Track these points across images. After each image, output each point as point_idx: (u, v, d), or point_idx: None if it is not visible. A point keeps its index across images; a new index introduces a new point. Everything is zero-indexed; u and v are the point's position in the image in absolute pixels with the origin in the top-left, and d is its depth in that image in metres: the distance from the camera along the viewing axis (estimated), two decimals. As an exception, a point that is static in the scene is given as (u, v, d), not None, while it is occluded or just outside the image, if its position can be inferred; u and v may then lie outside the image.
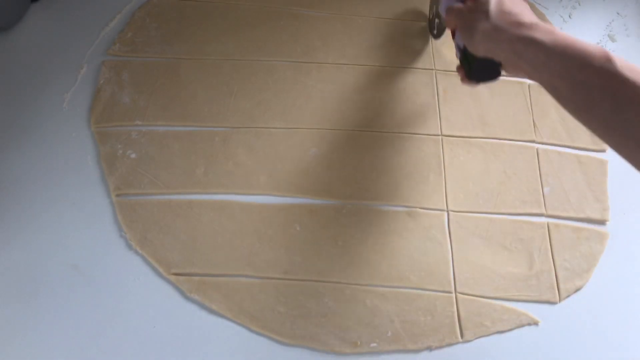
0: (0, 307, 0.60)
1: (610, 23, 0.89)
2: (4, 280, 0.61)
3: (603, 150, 0.75)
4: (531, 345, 0.62)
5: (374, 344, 0.60)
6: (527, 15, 0.49)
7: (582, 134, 0.76)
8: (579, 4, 0.90)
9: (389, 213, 0.68)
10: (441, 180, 0.71)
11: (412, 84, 0.78)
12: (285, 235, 0.65)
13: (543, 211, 0.70)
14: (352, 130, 0.73)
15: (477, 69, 0.57)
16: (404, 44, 0.81)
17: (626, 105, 0.40)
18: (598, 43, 0.86)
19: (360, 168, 0.70)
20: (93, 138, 0.70)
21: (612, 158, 0.75)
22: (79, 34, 0.78)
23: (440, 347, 0.61)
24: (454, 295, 0.64)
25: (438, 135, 0.74)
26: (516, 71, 0.50)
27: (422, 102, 0.76)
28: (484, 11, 0.51)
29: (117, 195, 0.67)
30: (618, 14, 0.90)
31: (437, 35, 0.77)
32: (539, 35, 0.46)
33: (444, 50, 0.80)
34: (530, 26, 0.47)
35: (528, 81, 0.80)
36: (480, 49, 0.52)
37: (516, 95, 0.78)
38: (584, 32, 0.87)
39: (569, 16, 0.89)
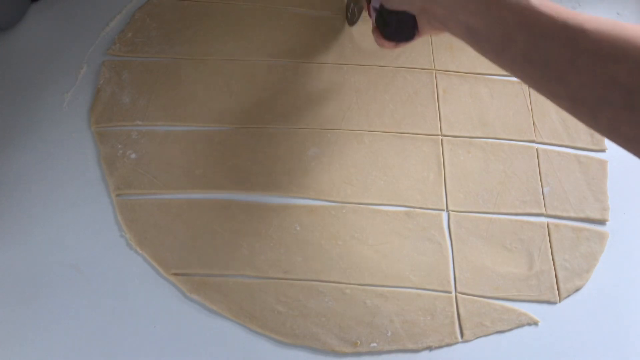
0: (0, 306, 0.60)
1: (610, 23, 0.89)
2: (4, 280, 0.61)
3: (603, 150, 0.75)
4: (531, 345, 0.62)
5: (374, 344, 0.60)
6: None
7: (582, 134, 0.76)
8: (579, 4, 0.90)
9: (388, 213, 0.68)
10: (441, 180, 0.71)
11: (411, 83, 0.78)
12: (285, 235, 0.65)
13: (543, 211, 0.70)
14: (352, 130, 0.73)
15: (391, 23, 0.58)
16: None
17: (542, 38, 0.39)
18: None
19: (361, 168, 0.70)
20: (93, 138, 0.70)
21: (612, 158, 0.75)
22: (79, 34, 0.78)
23: (440, 347, 0.61)
24: (453, 295, 0.64)
25: (438, 135, 0.74)
26: (430, 22, 0.51)
27: (422, 102, 0.76)
28: None
29: (117, 195, 0.67)
30: (618, 14, 0.90)
31: (353, 19, 0.77)
32: None
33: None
34: None
35: (528, 81, 0.80)
36: (395, 1, 0.54)
37: (516, 95, 0.78)
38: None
39: (569, 16, 0.89)
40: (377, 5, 0.60)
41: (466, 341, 0.61)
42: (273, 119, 0.73)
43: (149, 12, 0.80)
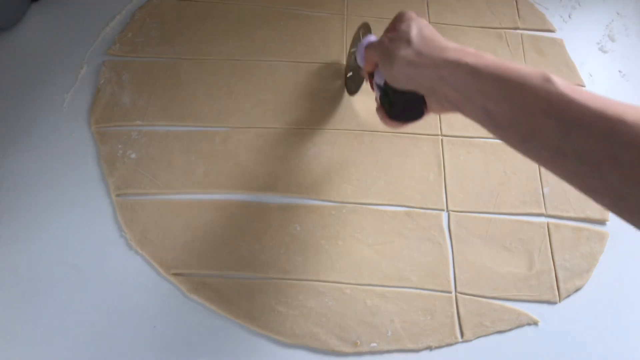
0: (0, 306, 0.60)
1: (610, 23, 0.89)
2: (4, 280, 0.61)
3: (603, 150, 0.75)
4: (531, 345, 0.62)
5: (374, 344, 0.60)
6: (450, 42, 0.46)
7: (582, 134, 0.76)
8: (579, 4, 0.90)
9: (388, 213, 0.68)
10: (441, 180, 0.71)
11: (412, 84, 0.77)
12: (285, 235, 0.65)
13: (543, 211, 0.70)
14: (352, 130, 0.73)
15: (398, 104, 0.53)
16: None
17: (575, 129, 0.35)
18: (598, 43, 0.86)
19: (361, 168, 0.70)
20: (93, 138, 0.70)
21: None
22: (79, 34, 0.78)
23: (440, 347, 0.61)
24: (453, 295, 0.64)
25: (438, 135, 0.74)
26: (441, 103, 0.46)
27: (422, 102, 0.76)
28: (405, 39, 0.48)
29: (117, 195, 0.67)
30: (618, 14, 0.90)
31: (354, 88, 0.70)
32: (468, 58, 0.42)
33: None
34: (455, 49, 0.44)
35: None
36: (401, 79, 0.48)
37: (516, 95, 0.78)
38: (584, 32, 0.87)
39: (569, 16, 0.89)
40: (381, 83, 0.55)
41: (466, 341, 0.61)
42: (273, 119, 0.73)
43: (149, 12, 0.80)
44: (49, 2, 0.80)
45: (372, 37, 0.60)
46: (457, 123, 0.75)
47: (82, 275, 0.62)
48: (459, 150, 0.73)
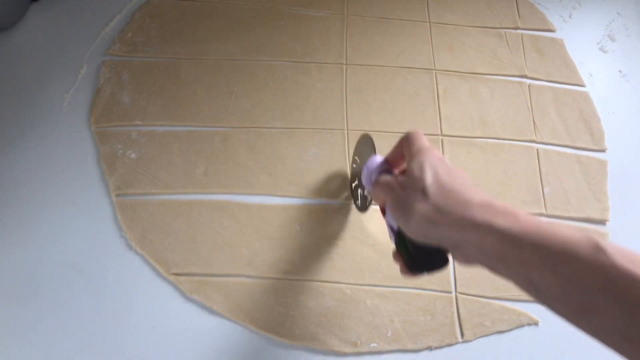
0: (0, 306, 0.60)
1: (610, 23, 0.89)
2: (4, 280, 0.61)
3: (603, 150, 0.75)
4: (531, 345, 0.62)
5: (374, 344, 0.60)
6: (471, 189, 0.40)
7: (583, 134, 0.76)
8: (579, 4, 0.90)
9: (388, 213, 0.68)
10: (441, 180, 0.71)
11: (412, 83, 0.78)
12: (285, 235, 0.65)
13: (543, 211, 0.70)
14: (352, 130, 0.73)
15: (418, 256, 0.46)
16: (403, 44, 0.81)
17: None
18: (598, 43, 0.86)
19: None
20: (93, 138, 0.70)
21: (612, 158, 0.75)
22: (79, 34, 0.78)
23: (441, 347, 0.61)
24: (454, 295, 0.64)
25: (438, 135, 0.74)
26: (469, 261, 0.40)
27: (421, 102, 0.76)
28: (420, 188, 0.41)
29: (117, 195, 0.66)
30: (618, 14, 0.90)
31: (362, 208, 0.63)
32: (499, 220, 0.36)
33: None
34: (481, 205, 0.38)
35: (528, 81, 0.80)
36: (419, 235, 0.42)
37: (516, 95, 0.78)
38: (585, 32, 0.87)
39: (569, 16, 0.89)
40: (395, 227, 0.47)
41: (466, 341, 0.61)
42: (273, 118, 0.73)
43: (149, 12, 0.80)
44: (49, 2, 0.80)
45: (378, 159, 0.53)
46: (457, 123, 0.75)
47: (82, 275, 0.62)
48: (459, 150, 0.73)
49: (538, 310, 0.63)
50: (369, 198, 0.59)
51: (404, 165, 0.50)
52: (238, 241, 0.64)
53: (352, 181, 0.66)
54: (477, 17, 0.86)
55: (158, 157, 0.69)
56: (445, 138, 0.74)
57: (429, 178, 0.41)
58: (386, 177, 0.47)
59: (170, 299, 0.61)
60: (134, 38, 0.78)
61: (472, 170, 0.71)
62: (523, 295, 0.63)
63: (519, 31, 0.85)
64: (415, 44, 0.81)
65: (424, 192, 0.41)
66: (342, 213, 0.67)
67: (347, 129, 0.73)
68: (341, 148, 0.71)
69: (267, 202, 0.67)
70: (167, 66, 0.76)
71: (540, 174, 0.72)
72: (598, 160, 0.74)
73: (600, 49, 0.86)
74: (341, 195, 0.68)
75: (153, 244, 0.64)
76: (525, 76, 0.81)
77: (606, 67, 0.84)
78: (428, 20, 0.84)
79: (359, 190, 0.62)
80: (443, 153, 0.72)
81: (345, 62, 0.78)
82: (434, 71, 0.79)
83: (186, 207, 0.66)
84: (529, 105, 0.77)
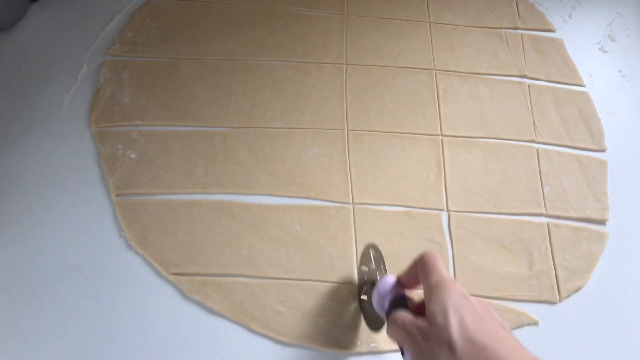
0: (0, 306, 0.60)
1: (610, 23, 0.89)
2: (4, 280, 0.61)
3: (603, 150, 0.75)
4: (531, 345, 0.61)
5: (374, 344, 0.60)
6: (505, 343, 0.37)
7: (583, 134, 0.76)
8: (579, 4, 0.90)
9: (388, 213, 0.68)
10: (441, 180, 0.71)
11: (412, 83, 0.78)
12: (285, 235, 0.65)
13: (543, 211, 0.70)
14: (352, 130, 0.73)
15: None
16: (403, 41, 0.81)
17: None
18: (598, 43, 0.86)
19: (360, 168, 0.70)
20: (93, 138, 0.70)
21: (612, 158, 0.75)
22: (79, 34, 0.78)
23: (441, 347, 0.61)
24: (454, 295, 0.64)
25: (438, 135, 0.74)
26: None
27: (421, 101, 0.76)
28: (445, 342, 0.36)
29: (117, 195, 0.66)
30: (618, 14, 0.90)
31: (374, 328, 0.56)
32: None
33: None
34: None
35: (528, 81, 0.80)
36: None
37: (516, 95, 0.78)
38: (585, 32, 0.87)
39: (569, 16, 0.89)
40: None
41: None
42: (273, 118, 0.73)
43: (149, 12, 0.80)
44: (49, 2, 0.80)
45: (390, 280, 0.50)
46: (457, 123, 0.75)
47: (83, 276, 0.62)
48: (459, 150, 0.73)
49: (538, 310, 0.63)
50: (381, 320, 0.53)
51: (419, 289, 0.46)
52: (238, 241, 0.64)
53: (360, 291, 0.61)
54: (477, 17, 0.86)
55: (158, 157, 0.69)
56: (445, 138, 0.74)
57: (455, 329, 0.37)
58: (403, 317, 0.42)
59: (170, 299, 0.61)
60: (134, 38, 0.78)
61: (472, 170, 0.72)
62: (523, 295, 0.64)
63: (518, 31, 0.85)
64: (415, 44, 0.82)
65: (450, 347, 0.36)
66: (342, 213, 0.67)
67: (347, 129, 0.73)
68: (341, 148, 0.71)
69: (267, 202, 0.67)
70: (167, 66, 0.76)
71: (540, 174, 0.72)
72: (598, 160, 0.74)
73: (600, 49, 0.86)
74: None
75: (153, 244, 0.63)
76: (525, 76, 0.81)
77: (606, 67, 0.84)
78: (428, 20, 0.84)
79: (367, 309, 0.57)
80: (443, 153, 0.72)
81: (345, 62, 0.78)
82: (434, 71, 0.79)
83: (186, 207, 0.66)
84: (529, 105, 0.78)
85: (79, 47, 0.77)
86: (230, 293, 0.62)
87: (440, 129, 0.74)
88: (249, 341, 0.60)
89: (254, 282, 0.63)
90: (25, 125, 0.70)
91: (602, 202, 0.71)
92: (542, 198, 0.71)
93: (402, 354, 0.44)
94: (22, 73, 0.74)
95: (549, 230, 0.68)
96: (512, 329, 0.62)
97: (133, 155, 0.69)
